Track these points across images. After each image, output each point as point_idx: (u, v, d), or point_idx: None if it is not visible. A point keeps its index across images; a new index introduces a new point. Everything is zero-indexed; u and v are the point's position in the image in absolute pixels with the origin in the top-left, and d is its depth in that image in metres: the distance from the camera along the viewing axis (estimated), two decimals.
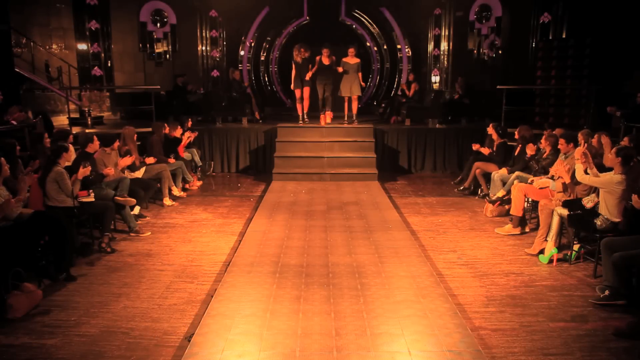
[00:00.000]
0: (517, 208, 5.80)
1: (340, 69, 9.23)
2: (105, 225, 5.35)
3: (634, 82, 9.48)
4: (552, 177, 5.70)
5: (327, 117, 9.53)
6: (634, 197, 4.16)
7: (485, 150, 7.47)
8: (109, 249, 5.24)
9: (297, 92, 9.45)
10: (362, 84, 9.45)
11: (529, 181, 5.90)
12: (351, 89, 9.33)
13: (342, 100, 9.65)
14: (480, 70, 12.29)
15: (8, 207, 4.29)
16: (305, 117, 9.49)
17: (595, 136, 5.86)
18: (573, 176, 4.92)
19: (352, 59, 9.31)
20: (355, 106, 9.47)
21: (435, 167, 9.71)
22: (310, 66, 9.22)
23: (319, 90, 9.42)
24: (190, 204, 7.26)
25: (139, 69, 13.50)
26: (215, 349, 3.20)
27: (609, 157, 4.57)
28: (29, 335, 3.56)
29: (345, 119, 9.58)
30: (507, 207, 6.26)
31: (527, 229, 5.90)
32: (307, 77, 9.22)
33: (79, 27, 11.86)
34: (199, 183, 8.38)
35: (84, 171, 5.18)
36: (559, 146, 5.80)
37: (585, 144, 5.25)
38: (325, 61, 9.28)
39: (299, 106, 9.52)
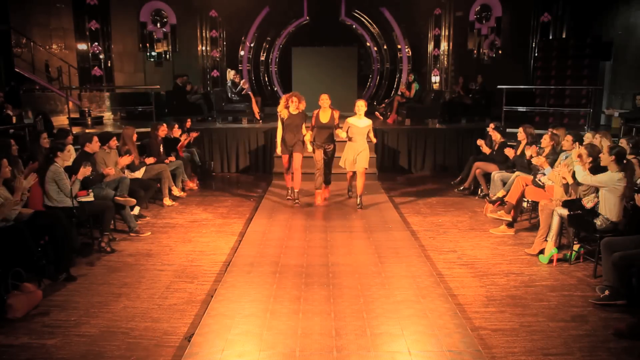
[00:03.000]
0: (513, 195, 5.89)
1: (342, 135, 6.53)
2: (104, 225, 5.34)
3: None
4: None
5: (324, 193, 7.01)
6: (637, 196, 4.17)
7: (486, 150, 7.47)
8: (108, 249, 5.23)
9: (285, 159, 6.92)
10: (373, 139, 6.71)
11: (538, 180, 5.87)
12: (358, 159, 6.56)
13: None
14: (481, 70, 12.29)
15: (8, 207, 4.29)
16: (296, 195, 6.79)
17: (598, 136, 5.87)
18: (574, 177, 4.92)
19: (361, 120, 6.56)
20: (362, 183, 6.62)
21: (435, 167, 9.70)
22: (304, 125, 6.77)
23: (317, 159, 6.73)
24: (190, 204, 7.26)
25: (139, 69, 13.50)
26: (215, 349, 3.20)
27: (603, 156, 4.57)
28: (29, 335, 3.56)
29: (353, 197, 6.96)
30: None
31: (518, 219, 6.06)
32: (309, 140, 6.65)
33: (79, 27, 11.87)
34: (195, 184, 8.29)
35: (85, 171, 5.17)
36: (564, 142, 5.81)
37: (580, 146, 5.26)
38: (325, 117, 6.65)
39: (287, 178, 7.03)
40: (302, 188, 6.95)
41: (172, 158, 7.59)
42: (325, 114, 6.67)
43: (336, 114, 6.71)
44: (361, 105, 6.57)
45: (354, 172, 6.75)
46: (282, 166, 7.30)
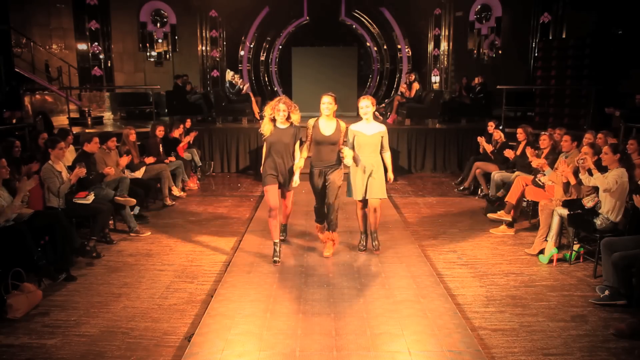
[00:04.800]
0: (512, 195, 5.90)
1: (348, 158, 4.65)
2: (94, 228, 5.20)
3: (631, 82, 9.49)
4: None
5: (330, 241, 4.94)
6: (636, 198, 4.18)
7: (487, 147, 7.48)
8: (94, 254, 5.05)
9: (272, 192, 4.73)
10: (390, 176, 4.89)
11: (539, 180, 5.86)
12: (370, 184, 4.75)
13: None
14: (480, 70, 12.31)
15: (12, 210, 4.29)
16: (278, 249, 4.74)
17: (600, 136, 5.87)
18: (577, 177, 4.94)
19: (370, 125, 4.77)
20: (377, 219, 4.90)
21: (435, 167, 9.71)
22: (300, 142, 4.82)
23: (315, 191, 4.92)
24: (190, 204, 7.25)
25: (139, 69, 13.52)
26: (215, 349, 3.20)
27: (605, 156, 4.57)
28: (29, 335, 3.56)
29: (365, 242, 5.05)
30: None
31: (517, 219, 6.06)
32: (299, 167, 4.68)
33: (79, 27, 11.91)
34: (196, 184, 8.29)
35: (78, 172, 5.11)
36: (563, 143, 5.81)
37: (581, 147, 5.27)
38: (328, 128, 4.70)
39: (272, 225, 4.73)
40: (291, 222, 5.36)
41: (172, 158, 7.60)
42: (328, 124, 4.71)
43: (343, 126, 4.76)
44: (367, 105, 4.71)
45: (366, 202, 4.88)
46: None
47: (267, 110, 4.69)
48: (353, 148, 4.80)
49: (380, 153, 4.86)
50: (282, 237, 5.09)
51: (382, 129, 4.81)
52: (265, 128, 4.68)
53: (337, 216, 4.92)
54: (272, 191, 4.73)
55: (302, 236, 5.52)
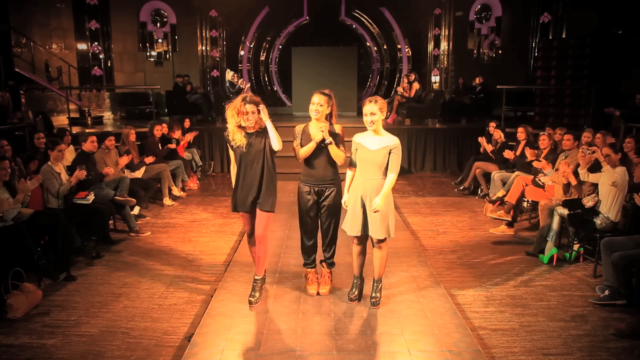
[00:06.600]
0: (512, 195, 5.90)
1: (322, 126, 3.63)
2: (94, 228, 5.20)
3: (631, 82, 9.49)
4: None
5: (323, 281, 4.06)
6: (637, 196, 4.19)
7: (488, 147, 7.48)
8: (94, 254, 5.05)
9: (243, 220, 3.92)
10: (379, 203, 3.46)
11: (539, 180, 5.86)
12: (375, 218, 3.59)
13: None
14: (480, 70, 12.31)
15: (6, 206, 4.29)
16: (257, 291, 3.84)
17: (599, 135, 5.88)
18: (577, 177, 4.95)
19: (380, 137, 3.58)
20: (382, 262, 3.79)
21: (435, 167, 9.71)
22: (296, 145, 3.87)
23: (304, 218, 3.96)
24: (190, 204, 7.25)
25: (139, 69, 13.52)
26: (215, 349, 3.20)
27: (613, 156, 4.58)
28: (29, 335, 3.56)
29: (357, 290, 3.91)
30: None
31: (518, 219, 6.08)
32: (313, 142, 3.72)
33: (79, 27, 11.93)
34: (196, 184, 8.29)
35: (78, 174, 5.12)
36: (565, 142, 5.82)
37: (582, 147, 5.28)
38: (318, 134, 3.68)
39: (252, 251, 3.98)
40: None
41: (172, 145, 7.60)
42: (319, 128, 3.68)
43: (338, 129, 3.77)
44: (373, 112, 3.51)
45: (362, 240, 3.83)
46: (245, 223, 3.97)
47: (231, 113, 3.63)
48: (354, 164, 3.70)
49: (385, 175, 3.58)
50: (253, 299, 3.79)
51: (391, 142, 3.55)
52: (236, 136, 3.67)
53: (333, 245, 4.04)
54: (244, 218, 3.86)
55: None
